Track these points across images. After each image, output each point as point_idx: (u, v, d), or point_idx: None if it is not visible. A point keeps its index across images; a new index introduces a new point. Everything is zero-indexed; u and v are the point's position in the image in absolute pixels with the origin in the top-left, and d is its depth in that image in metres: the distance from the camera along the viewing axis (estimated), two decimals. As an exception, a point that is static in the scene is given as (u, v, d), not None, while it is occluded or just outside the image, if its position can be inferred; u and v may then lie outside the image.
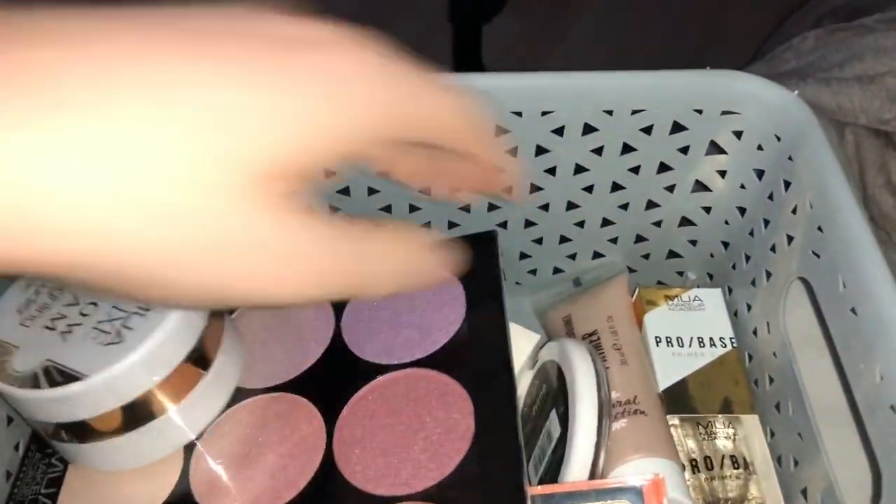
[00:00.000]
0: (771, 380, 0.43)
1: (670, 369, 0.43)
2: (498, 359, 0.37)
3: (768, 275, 0.43)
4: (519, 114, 0.42)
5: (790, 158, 0.41)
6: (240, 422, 0.38)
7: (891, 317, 0.32)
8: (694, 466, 0.40)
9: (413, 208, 0.47)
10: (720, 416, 0.42)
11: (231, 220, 0.20)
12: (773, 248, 0.42)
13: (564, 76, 0.41)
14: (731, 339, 0.44)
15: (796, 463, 0.40)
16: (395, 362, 0.39)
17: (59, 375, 0.33)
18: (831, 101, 0.49)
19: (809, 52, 0.55)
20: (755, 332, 0.44)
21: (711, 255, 0.50)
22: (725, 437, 0.41)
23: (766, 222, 0.43)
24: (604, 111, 0.42)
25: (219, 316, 0.38)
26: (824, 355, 0.45)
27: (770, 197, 0.43)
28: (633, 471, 0.39)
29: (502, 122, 0.42)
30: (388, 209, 0.47)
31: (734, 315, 0.47)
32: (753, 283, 0.45)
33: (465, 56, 1.09)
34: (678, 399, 0.42)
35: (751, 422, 0.42)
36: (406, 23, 1.47)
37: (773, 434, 0.43)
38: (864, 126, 0.49)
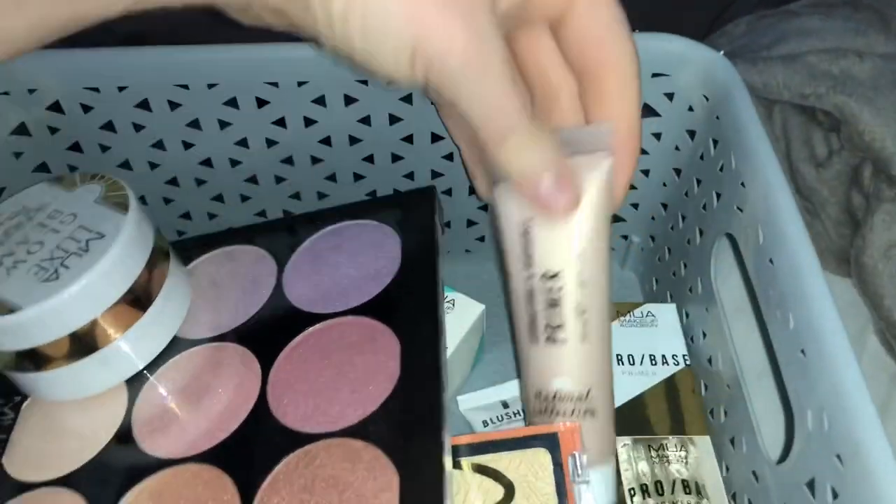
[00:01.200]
0: (704, 335, 0.43)
1: (621, 388, 0.41)
2: (426, 305, 0.39)
3: (700, 233, 0.43)
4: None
5: (717, 118, 0.41)
6: (182, 369, 0.40)
7: (802, 264, 0.33)
8: (644, 491, 0.38)
9: (357, 176, 0.47)
10: (672, 437, 0.40)
11: None
12: (703, 207, 0.43)
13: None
14: (683, 356, 0.43)
15: (726, 414, 0.40)
16: (331, 311, 0.40)
17: (0, 307, 0.35)
18: (758, 80, 0.50)
19: (741, 36, 0.56)
20: (690, 290, 0.44)
21: (653, 218, 0.50)
22: (677, 461, 0.40)
23: (699, 182, 0.43)
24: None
25: (162, 263, 0.40)
26: (749, 314, 0.46)
27: (701, 157, 0.43)
28: None
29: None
30: (332, 178, 0.47)
31: (672, 275, 0.47)
32: (688, 241, 0.45)
33: None
34: (630, 419, 0.41)
35: (703, 443, 0.40)
36: None
37: (706, 388, 0.43)
38: (789, 102, 0.50)
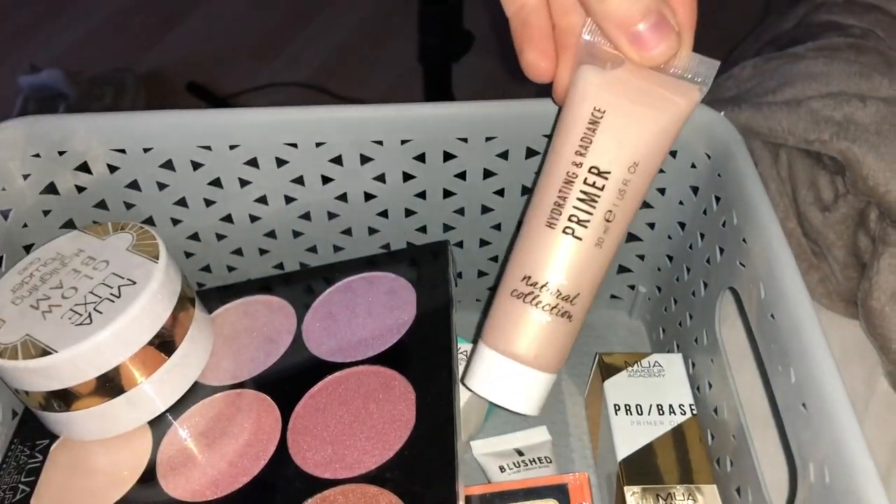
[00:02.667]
0: (710, 385, 0.43)
1: (630, 438, 0.42)
2: (441, 355, 0.40)
3: (705, 285, 0.44)
4: (465, 140, 0.43)
5: (719, 175, 0.42)
6: (205, 415, 0.41)
7: (802, 321, 0.34)
8: None
9: (372, 230, 0.49)
10: (679, 486, 0.40)
11: None
12: (707, 260, 0.44)
13: (506, 104, 0.43)
14: (690, 405, 0.43)
15: (732, 463, 0.41)
16: (349, 360, 0.42)
17: (34, 349, 0.37)
18: (763, 125, 0.51)
19: (747, 79, 0.56)
20: (696, 341, 0.45)
21: (659, 269, 0.51)
22: None
23: (703, 236, 0.45)
24: (544, 136, 0.43)
25: (188, 309, 0.42)
26: (753, 365, 0.46)
27: (704, 212, 0.44)
28: (511, 378, 0.36)
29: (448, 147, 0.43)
30: (348, 232, 0.49)
31: (679, 325, 0.48)
32: (693, 294, 0.46)
33: (437, 95, 1.12)
34: (638, 468, 0.41)
35: (710, 492, 0.40)
36: (380, 66, 1.50)
37: (712, 437, 0.43)
38: (794, 146, 0.51)
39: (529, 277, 0.36)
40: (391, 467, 0.36)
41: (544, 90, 0.42)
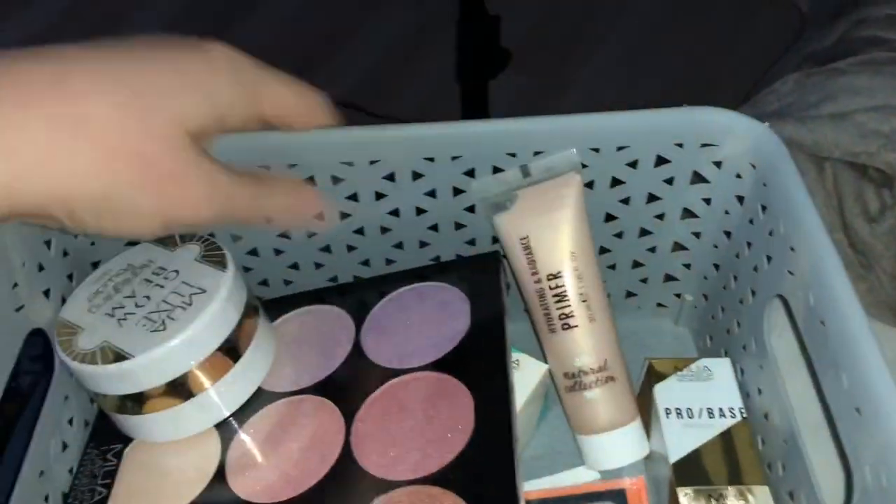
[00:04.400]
0: (759, 391, 0.44)
1: (682, 441, 0.43)
2: (496, 362, 0.41)
3: (753, 293, 0.44)
4: (513, 155, 0.44)
5: (765, 185, 0.43)
6: (270, 420, 0.42)
7: (852, 326, 0.34)
8: None
9: (423, 244, 0.50)
10: (731, 487, 0.41)
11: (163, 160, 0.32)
12: (755, 269, 0.44)
13: (553, 120, 0.44)
14: (740, 409, 0.44)
15: (784, 468, 0.41)
16: (407, 367, 0.43)
17: (112, 355, 0.38)
18: (808, 138, 0.51)
19: (789, 94, 0.57)
20: (744, 348, 0.46)
21: (705, 278, 0.51)
22: None
23: (749, 245, 0.45)
24: (591, 149, 0.44)
25: (253, 317, 0.43)
26: (803, 370, 0.46)
27: (751, 221, 0.44)
28: (609, 445, 0.44)
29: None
30: (399, 245, 0.50)
31: (727, 332, 0.48)
32: (741, 301, 0.46)
33: (474, 112, 1.12)
34: (690, 470, 0.41)
35: (762, 493, 0.40)
36: (417, 83, 1.51)
37: (762, 442, 0.44)
38: (840, 159, 0.51)
39: (567, 373, 0.45)
40: (454, 469, 0.37)
41: (581, 106, 0.44)
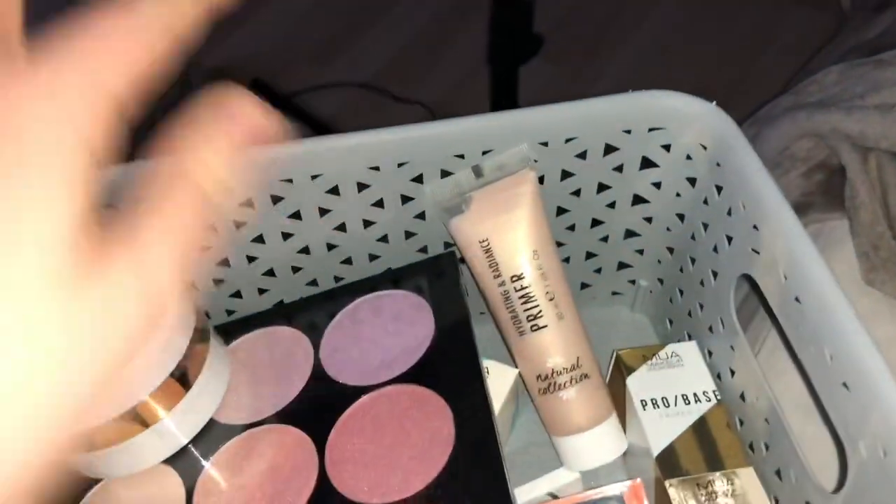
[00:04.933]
0: (732, 372, 0.43)
1: (662, 432, 0.42)
2: (469, 367, 0.39)
3: (714, 274, 0.44)
4: (462, 156, 0.42)
5: (718, 164, 0.42)
6: (236, 454, 0.40)
7: (831, 301, 0.34)
8: None
9: (373, 257, 0.47)
10: (717, 473, 0.40)
11: None
12: (714, 249, 0.44)
13: (499, 116, 0.42)
14: (714, 392, 0.43)
15: (767, 447, 0.41)
16: (375, 382, 0.40)
17: None
18: (854, 129, 0.51)
19: (832, 85, 0.57)
20: (711, 329, 0.45)
21: (659, 262, 0.51)
22: (725, 495, 0.39)
23: (706, 226, 0.44)
24: (540, 143, 0.43)
25: (204, 341, 0.40)
26: (778, 346, 0.46)
27: (705, 202, 0.44)
28: (589, 444, 0.43)
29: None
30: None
31: (688, 315, 0.48)
32: (702, 283, 0.46)
33: (502, 96, 1.11)
34: (673, 461, 0.41)
35: (747, 474, 0.40)
36: (447, 65, 1.47)
37: (741, 422, 0.43)
38: (886, 150, 0.50)
39: (539, 375, 0.43)
40: (441, 484, 0.35)
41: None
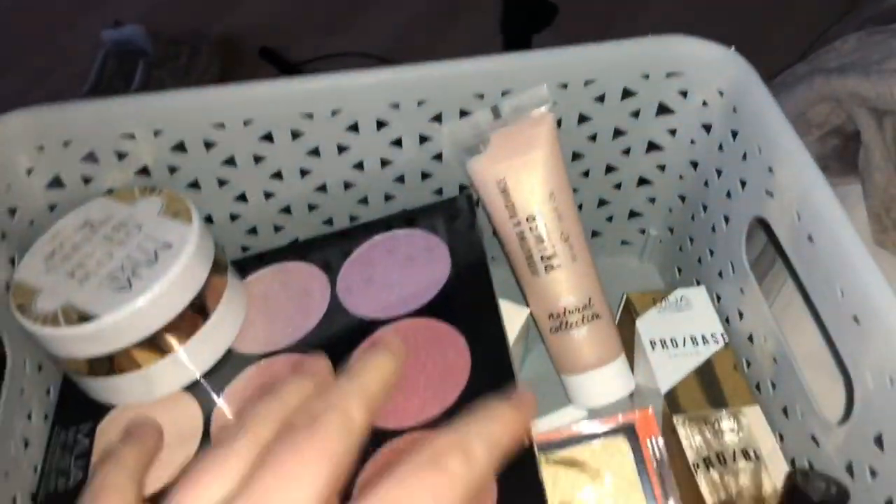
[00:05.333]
0: (741, 314, 0.44)
1: (670, 371, 0.42)
2: (484, 302, 0.40)
3: (726, 220, 0.45)
4: (481, 96, 0.43)
5: (734, 110, 0.43)
6: (253, 382, 0.40)
7: (843, 238, 0.34)
8: (707, 463, 0.39)
9: (388, 197, 0.48)
10: (724, 411, 0.41)
11: None
12: (728, 195, 0.44)
13: (520, 56, 0.43)
14: (722, 334, 0.44)
15: (774, 386, 0.42)
16: (392, 315, 0.41)
17: (76, 315, 0.36)
18: (871, 91, 0.51)
19: (850, 52, 0.56)
20: (720, 274, 0.46)
21: (670, 210, 0.51)
22: (731, 431, 0.40)
23: (719, 172, 0.45)
24: (559, 85, 0.43)
25: (222, 273, 0.40)
26: (791, 301, 0.47)
27: (720, 148, 0.44)
28: (597, 382, 0.44)
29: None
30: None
31: (698, 262, 0.49)
32: (713, 229, 0.46)
33: None
34: (681, 400, 0.41)
35: (754, 412, 0.41)
36: (457, 35, 1.43)
37: (748, 364, 0.44)
38: None
39: (552, 314, 0.44)
40: (456, 411, 0.35)
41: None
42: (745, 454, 0.40)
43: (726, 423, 0.41)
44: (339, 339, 0.41)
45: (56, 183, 0.43)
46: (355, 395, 0.26)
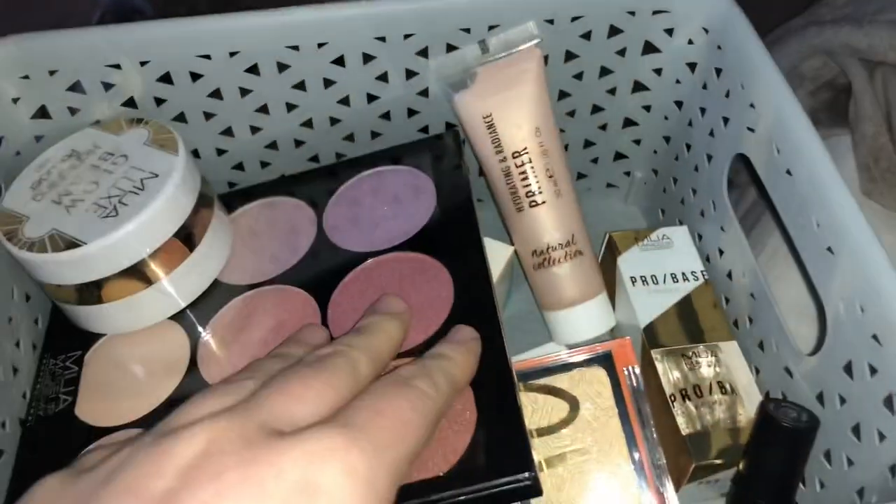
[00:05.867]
0: (721, 252, 0.45)
1: (649, 306, 0.43)
2: (468, 236, 0.40)
3: (709, 158, 0.45)
4: (468, 31, 0.43)
5: (719, 47, 0.43)
6: (238, 311, 0.41)
7: (820, 170, 0.35)
8: (684, 395, 0.40)
9: (374, 134, 0.48)
10: (701, 345, 0.42)
11: None
12: (711, 133, 0.44)
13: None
14: (702, 272, 0.44)
15: (751, 320, 0.42)
16: (378, 249, 0.41)
17: (63, 242, 0.36)
18: (863, 41, 0.51)
19: (843, 5, 0.56)
20: (702, 213, 0.46)
21: (655, 152, 0.52)
22: (708, 365, 0.41)
23: (703, 111, 0.45)
24: (546, 20, 0.43)
25: (209, 206, 0.41)
26: (767, 219, 0.48)
27: (704, 86, 0.45)
28: (579, 318, 0.44)
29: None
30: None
31: (681, 202, 0.49)
32: (696, 168, 0.47)
33: None
34: (660, 334, 0.42)
35: (730, 347, 0.42)
36: None
37: (727, 301, 0.45)
38: (894, 64, 0.50)
39: (535, 250, 0.44)
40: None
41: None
42: (722, 387, 0.40)
43: (703, 358, 0.42)
44: (326, 271, 0.41)
45: (42, 113, 0.43)
46: (363, 349, 0.29)
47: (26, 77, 0.42)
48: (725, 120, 0.43)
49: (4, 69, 0.41)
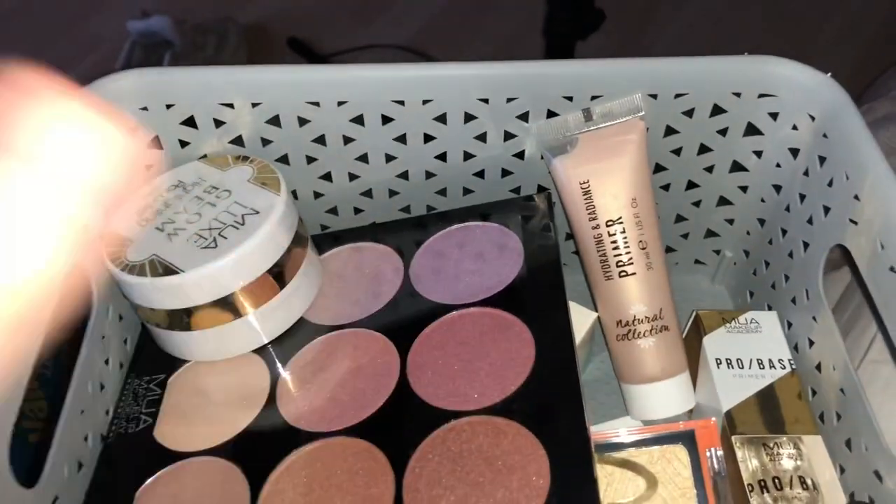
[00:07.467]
0: (811, 342, 0.44)
1: (732, 391, 0.42)
2: (554, 298, 0.40)
3: (805, 245, 0.44)
4: (570, 98, 0.43)
5: (825, 136, 0.42)
6: (321, 352, 0.41)
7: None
8: (762, 486, 0.38)
9: (466, 190, 0.49)
10: (784, 436, 0.40)
11: None
12: (809, 221, 0.43)
13: (612, 62, 0.43)
14: (789, 360, 0.43)
15: (839, 417, 0.41)
16: (461, 302, 0.41)
17: (161, 268, 0.37)
18: None
19: None
20: (794, 301, 0.45)
21: (748, 233, 0.51)
22: (790, 458, 0.39)
23: (802, 197, 0.44)
24: (649, 95, 0.43)
25: (303, 246, 0.42)
26: (865, 313, 0.46)
27: (806, 173, 0.44)
28: (659, 395, 0.43)
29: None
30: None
31: (771, 287, 0.48)
32: (791, 255, 0.46)
33: None
34: (741, 420, 0.41)
35: (814, 442, 0.40)
36: (483, 33, 1.41)
37: (813, 393, 0.43)
38: None
39: (620, 321, 0.44)
40: (517, 400, 0.35)
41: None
42: (803, 482, 0.39)
43: (786, 450, 0.40)
44: (407, 318, 0.41)
45: (155, 143, 0.46)
46: None
47: (145, 108, 0.44)
48: (826, 209, 0.42)
49: (127, 99, 0.43)
